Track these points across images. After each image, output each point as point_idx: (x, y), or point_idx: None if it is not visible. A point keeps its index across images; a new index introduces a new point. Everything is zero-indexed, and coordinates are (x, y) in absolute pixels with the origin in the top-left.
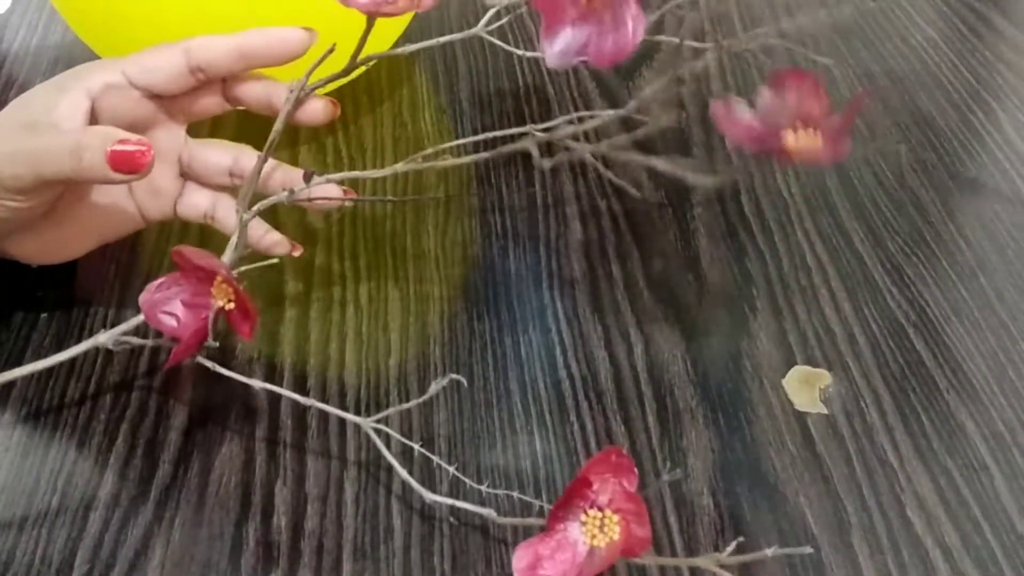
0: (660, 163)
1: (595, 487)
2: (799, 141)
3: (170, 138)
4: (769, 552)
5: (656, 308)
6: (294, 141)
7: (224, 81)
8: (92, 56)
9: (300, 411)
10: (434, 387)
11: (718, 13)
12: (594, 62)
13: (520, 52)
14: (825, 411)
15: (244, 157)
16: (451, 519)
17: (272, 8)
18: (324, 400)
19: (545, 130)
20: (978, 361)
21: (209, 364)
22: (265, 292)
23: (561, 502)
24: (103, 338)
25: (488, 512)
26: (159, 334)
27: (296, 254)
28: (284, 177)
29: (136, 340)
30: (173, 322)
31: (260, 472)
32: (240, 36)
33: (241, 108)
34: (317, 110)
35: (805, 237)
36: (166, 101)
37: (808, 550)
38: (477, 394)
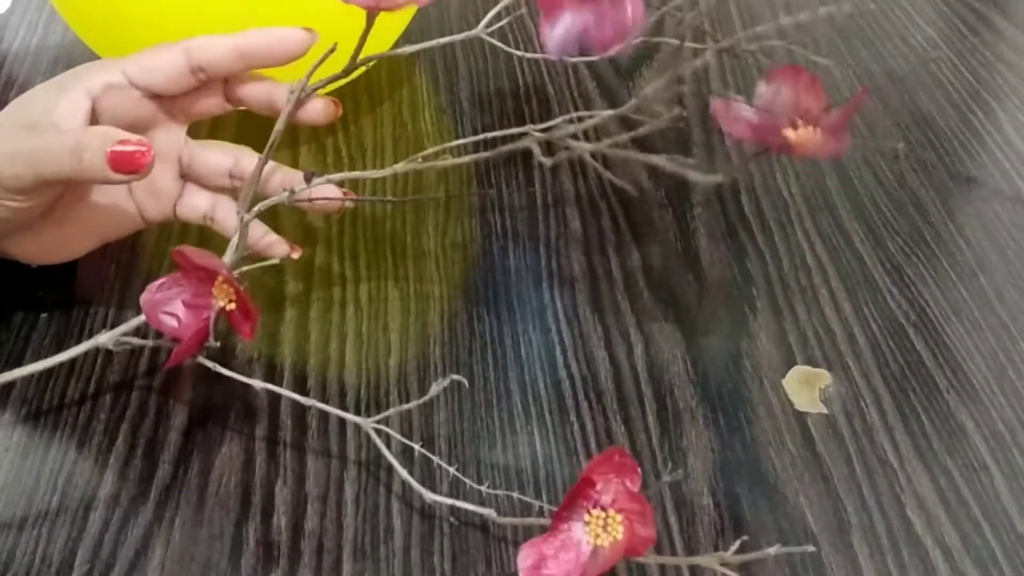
0: (660, 161)
1: (598, 487)
2: (799, 136)
3: (170, 139)
4: (772, 551)
5: (656, 308)
6: (294, 141)
7: (226, 82)
8: (92, 56)
9: (300, 411)
10: (435, 388)
11: (718, 12)
12: (594, 47)
13: (520, 53)
14: (825, 411)
15: (244, 159)
16: (451, 519)
17: (272, 8)
18: (324, 400)
19: (545, 130)
20: (978, 361)
21: (210, 364)
22: (265, 292)
23: (565, 502)
24: (103, 338)
25: (488, 512)
26: (159, 334)
27: (295, 256)
28: (284, 179)
29: (136, 340)
30: (174, 322)
31: (260, 472)
32: (240, 36)
33: (242, 109)
34: (318, 110)
35: (805, 237)
36: (166, 101)
37: (810, 548)
38: (477, 394)
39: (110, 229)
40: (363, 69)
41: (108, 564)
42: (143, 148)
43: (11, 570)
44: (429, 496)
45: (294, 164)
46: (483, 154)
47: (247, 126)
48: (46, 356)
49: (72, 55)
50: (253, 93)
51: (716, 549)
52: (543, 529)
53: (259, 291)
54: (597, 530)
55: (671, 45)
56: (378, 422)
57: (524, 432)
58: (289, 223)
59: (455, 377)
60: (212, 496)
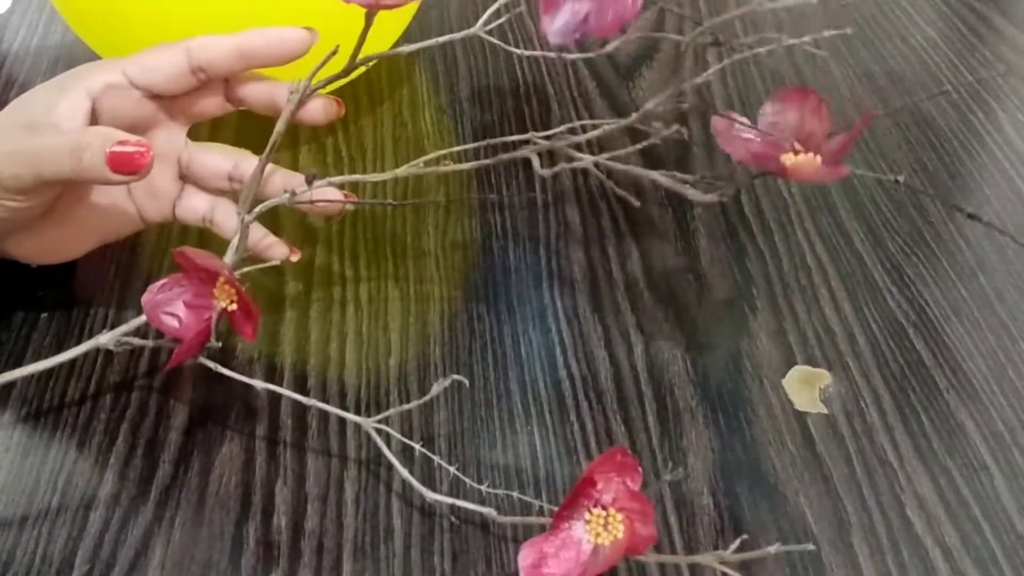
0: (660, 177)
1: (599, 486)
2: (797, 162)
3: (170, 139)
4: (772, 549)
5: (656, 308)
6: (294, 142)
7: (227, 82)
8: (92, 56)
9: (300, 411)
10: (435, 388)
11: (718, 12)
12: (596, 34)
13: (519, 52)
14: (825, 411)
15: (244, 162)
16: (451, 518)
17: (272, 8)
18: (324, 400)
19: (547, 138)
20: (978, 361)
21: (211, 364)
22: (265, 292)
23: (566, 501)
24: (104, 339)
25: (488, 511)
26: (160, 335)
27: (294, 259)
28: (284, 180)
29: (137, 341)
30: (175, 323)
31: (260, 472)
32: (240, 36)
33: (242, 109)
34: (319, 109)
35: (805, 237)
36: (167, 102)
37: (810, 547)
38: (477, 394)
39: (109, 229)
40: (363, 69)
41: (108, 564)
42: (142, 149)
43: (11, 570)
44: (429, 495)
45: (294, 164)
46: (485, 161)
47: (247, 127)
48: (46, 356)
49: (72, 55)
50: (254, 93)
51: (716, 549)
52: (543, 528)
53: (259, 291)
54: (598, 529)
55: (671, 46)
56: (379, 422)
57: (524, 432)
58: (289, 224)
59: (456, 377)
60: (212, 496)
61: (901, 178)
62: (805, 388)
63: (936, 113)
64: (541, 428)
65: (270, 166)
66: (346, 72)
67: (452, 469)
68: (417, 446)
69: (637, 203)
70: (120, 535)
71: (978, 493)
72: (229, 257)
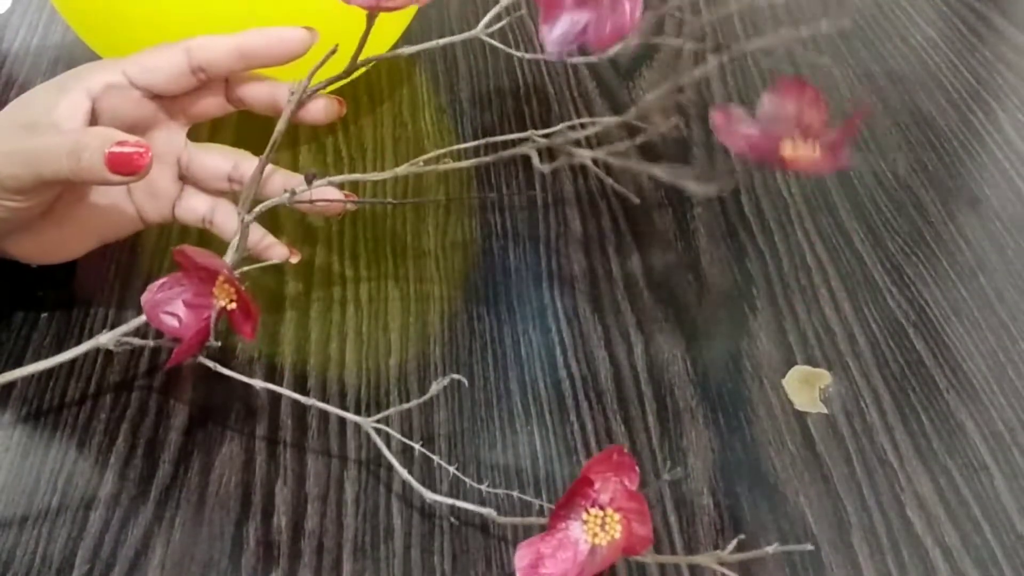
0: (660, 172)
1: (597, 486)
2: (798, 152)
3: (170, 140)
4: (770, 549)
5: (656, 308)
6: (294, 142)
7: (227, 82)
8: (92, 56)
9: (300, 411)
10: (435, 387)
11: (719, 15)
12: (594, 45)
13: (520, 54)
14: (825, 411)
15: (244, 163)
16: (451, 519)
17: (272, 8)
18: (324, 400)
19: (546, 135)
20: (978, 361)
21: (210, 364)
22: (265, 292)
23: (563, 501)
24: (104, 339)
25: (488, 512)
26: (160, 334)
27: (294, 261)
28: (284, 180)
29: (137, 341)
30: (175, 322)
31: (260, 472)
32: (240, 36)
33: (242, 110)
34: (320, 109)
35: (805, 237)
36: (167, 102)
37: (809, 547)
38: (477, 393)
39: (109, 230)
40: (363, 69)
41: (108, 564)
42: (141, 150)
43: (11, 570)
44: (429, 496)
45: (294, 164)
46: (484, 159)
47: (247, 127)
48: (46, 356)
49: (72, 55)
50: (254, 93)
51: (716, 548)
52: (543, 529)
53: (259, 291)
54: (595, 529)
55: (671, 48)
56: (378, 421)
57: (524, 432)
58: (289, 223)
59: (455, 376)
60: (212, 496)
61: (900, 156)
62: (805, 388)
63: (936, 113)
64: (541, 428)
65: (270, 166)
66: (347, 73)
67: (452, 469)
68: (417, 446)
69: (636, 200)
70: (120, 535)
71: (978, 493)
72: (229, 256)
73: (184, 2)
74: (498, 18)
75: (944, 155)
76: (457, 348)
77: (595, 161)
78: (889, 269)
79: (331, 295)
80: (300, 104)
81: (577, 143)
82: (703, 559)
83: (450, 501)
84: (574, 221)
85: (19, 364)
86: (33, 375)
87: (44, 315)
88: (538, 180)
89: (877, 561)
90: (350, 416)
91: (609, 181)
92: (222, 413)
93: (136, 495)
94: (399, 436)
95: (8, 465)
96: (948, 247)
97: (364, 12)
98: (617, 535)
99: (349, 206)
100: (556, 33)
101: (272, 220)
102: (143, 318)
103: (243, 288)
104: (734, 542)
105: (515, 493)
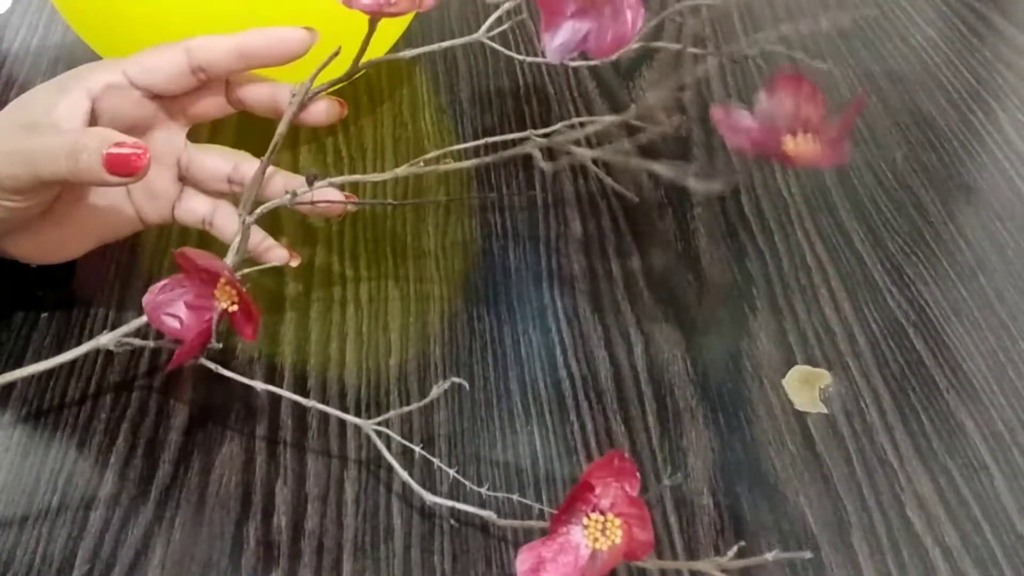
0: (661, 168)
1: (597, 491)
2: (798, 146)
3: (170, 140)
4: (770, 556)
5: (656, 308)
6: (294, 142)
7: (227, 83)
8: (93, 56)
9: (300, 411)
10: (436, 391)
11: (719, 15)
12: (594, 54)
13: (521, 57)
14: (825, 411)
15: (244, 164)
16: (451, 520)
17: (272, 8)
18: (324, 400)
19: (546, 135)
20: (978, 361)
21: (212, 366)
22: (265, 293)
23: (564, 506)
24: (104, 339)
25: (488, 514)
26: (160, 335)
27: (294, 264)
28: (284, 182)
29: (137, 341)
30: (176, 324)
31: (260, 472)
32: (240, 36)
33: (242, 111)
34: (321, 111)
35: (805, 237)
36: (166, 102)
37: (807, 555)
38: (477, 394)
39: (108, 230)
40: (364, 71)
41: (108, 564)
42: (139, 151)
43: (11, 569)
44: (430, 498)
45: (294, 165)
46: (485, 159)
47: (247, 128)
48: (47, 356)
49: (73, 55)
50: (255, 95)
51: (716, 549)
52: (543, 531)
53: (259, 292)
54: (596, 534)
55: (671, 50)
56: (378, 424)
57: (524, 432)
58: (290, 224)
59: (456, 380)
60: (212, 496)
61: (899, 153)
62: (805, 388)
63: (936, 113)
64: (541, 428)
65: (270, 167)
66: (348, 76)
67: (452, 472)
68: (417, 448)
69: (635, 199)
70: (120, 535)
71: (978, 493)
72: (230, 258)
73: (184, 2)
74: (499, 22)
75: (944, 155)
76: (457, 348)
77: (595, 161)
78: (889, 269)
79: (331, 295)
80: (302, 106)
81: (577, 143)
82: (703, 565)
83: (450, 503)
84: (574, 221)
85: (19, 364)
86: (33, 375)
87: (44, 315)
88: (538, 180)
89: (877, 561)
90: (350, 418)
91: (609, 181)
92: (222, 413)
93: (136, 495)
94: (399, 438)
95: (8, 465)
96: (948, 247)
97: (365, 15)
98: (618, 540)
99: (349, 207)
100: (557, 42)
101: (272, 221)
102: (143, 319)
103: (244, 290)
104: (734, 548)
105: (515, 496)
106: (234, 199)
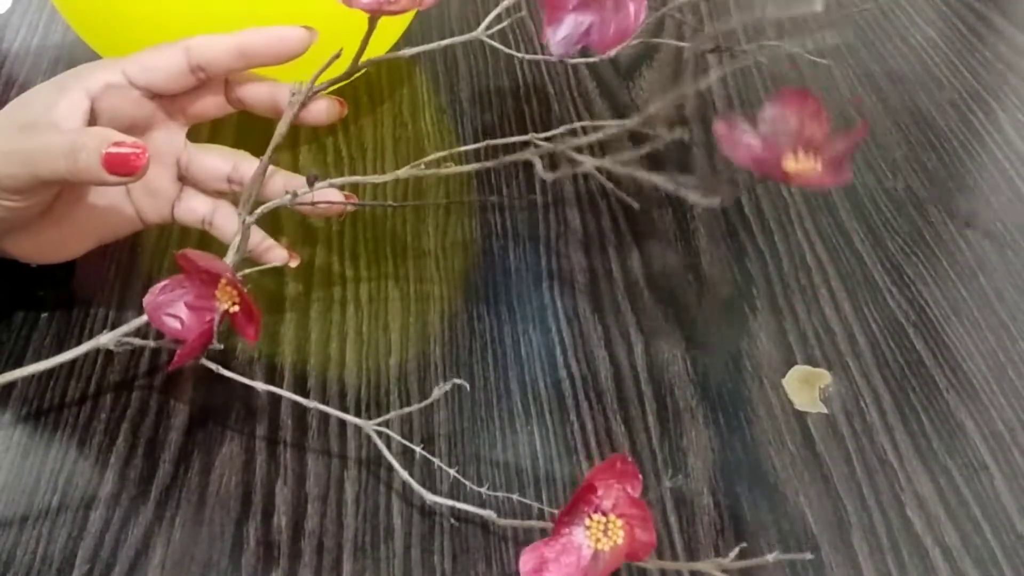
0: (662, 181)
1: (600, 492)
2: (799, 165)
3: (169, 140)
4: (770, 558)
5: (656, 308)
6: (294, 142)
7: (227, 83)
8: (93, 56)
9: (300, 411)
10: (436, 392)
11: (719, 16)
12: (597, 47)
13: (521, 55)
14: (825, 411)
15: (243, 164)
16: (452, 520)
17: (272, 8)
18: (324, 400)
19: (547, 139)
20: (978, 361)
21: (212, 366)
22: (265, 293)
23: (567, 507)
24: (105, 339)
25: (488, 514)
26: (160, 335)
27: (294, 264)
28: (284, 182)
29: (137, 341)
30: (177, 324)
31: (260, 472)
32: (240, 35)
33: (242, 110)
34: (321, 110)
35: (805, 237)
36: (166, 101)
37: (808, 556)
38: (477, 393)
39: (108, 230)
40: (364, 70)
41: (108, 563)
42: (138, 150)
43: (12, 569)
44: (430, 498)
45: (294, 165)
46: (486, 163)
47: (247, 128)
48: (47, 356)
49: (73, 55)
50: (254, 94)
51: (716, 549)
52: (543, 531)
53: (259, 292)
54: (598, 534)
55: (671, 47)
56: (379, 424)
57: (524, 432)
58: (289, 224)
59: (456, 381)
60: (213, 496)
61: (898, 153)
62: (805, 388)
63: (936, 113)
64: (541, 428)
65: (270, 167)
66: (348, 75)
67: (452, 472)
68: (418, 448)
69: (636, 206)
70: (120, 535)
71: (978, 493)
72: (229, 258)
73: (184, 2)
74: (499, 19)
75: (944, 155)
76: (457, 348)
77: (598, 169)
78: (889, 269)
79: (331, 295)
80: (302, 106)
81: (578, 148)
82: (704, 565)
83: (450, 503)
84: (574, 221)
85: (19, 364)
86: (33, 375)
87: (44, 315)
88: (538, 181)
89: (877, 561)
90: (351, 419)
91: (610, 186)
92: (222, 413)
93: (136, 495)
94: (399, 439)
95: (8, 465)
96: (948, 247)
97: (365, 14)
98: (620, 541)
99: (349, 208)
100: (560, 35)
101: (272, 221)
102: (144, 318)
103: (245, 290)
104: (736, 550)
105: (515, 496)
106: (234, 199)
